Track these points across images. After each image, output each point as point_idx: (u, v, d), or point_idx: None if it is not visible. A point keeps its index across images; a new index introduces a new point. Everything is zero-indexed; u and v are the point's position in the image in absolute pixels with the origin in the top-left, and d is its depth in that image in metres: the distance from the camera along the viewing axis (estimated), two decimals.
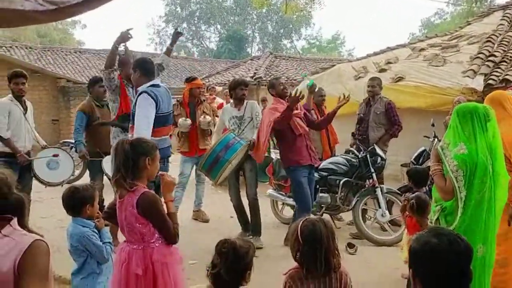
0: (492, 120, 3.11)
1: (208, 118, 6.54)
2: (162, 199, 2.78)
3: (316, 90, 6.20)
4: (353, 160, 6.23)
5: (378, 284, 4.52)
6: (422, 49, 9.23)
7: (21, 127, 5.55)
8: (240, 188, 6.03)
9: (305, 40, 43.52)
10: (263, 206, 6.20)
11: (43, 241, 1.41)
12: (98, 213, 3.20)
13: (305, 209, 5.24)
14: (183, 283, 2.84)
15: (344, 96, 5.48)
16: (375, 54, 10.03)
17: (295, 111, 5.40)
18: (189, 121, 6.44)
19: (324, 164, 6.35)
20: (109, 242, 3.15)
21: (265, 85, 11.98)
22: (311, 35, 43.73)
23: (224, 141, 5.59)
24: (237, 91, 5.96)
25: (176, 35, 5.49)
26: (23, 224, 1.45)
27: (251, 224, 5.83)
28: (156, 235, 2.66)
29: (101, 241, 3.11)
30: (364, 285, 4.32)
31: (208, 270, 2.25)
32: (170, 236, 2.69)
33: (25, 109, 5.67)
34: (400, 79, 8.09)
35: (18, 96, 5.55)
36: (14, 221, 1.41)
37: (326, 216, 6.02)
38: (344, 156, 6.41)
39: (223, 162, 5.50)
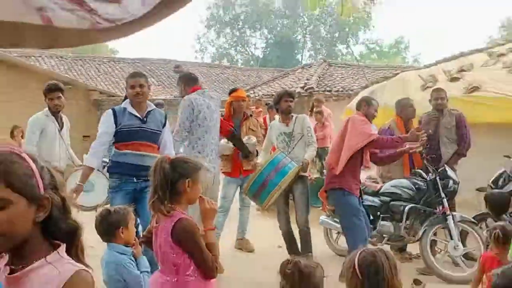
0: None
1: (253, 139, 6.51)
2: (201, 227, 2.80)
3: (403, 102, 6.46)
4: (420, 183, 6.14)
5: None
6: (501, 54, 9.02)
7: (55, 145, 5.76)
8: (290, 214, 6.03)
9: (363, 45, 43.30)
10: (315, 234, 6.17)
11: (88, 271, 1.47)
12: (135, 239, 3.28)
13: (362, 241, 5.22)
14: None
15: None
16: (446, 60, 9.88)
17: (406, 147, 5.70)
18: (231, 145, 6.43)
19: (386, 187, 6.30)
20: (147, 271, 3.21)
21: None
22: (370, 39, 43.35)
23: (274, 162, 5.63)
24: (282, 103, 6.06)
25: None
26: (75, 253, 1.51)
27: (301, 255, 5.84)
28: (192, 267, 2.66)
29: (138, 270, 3.19)
30: None
31: None
32: (207, 269, 2.69)
33: (61, 125, 5.89)
34: (475, 89, 7.92)
35: (55, 112, 5.80)
36: (62, 248, 1.46)
37: (386, 247, 5.89)
38: (410, 179, 6.31)
39: (271, 186, 5.56)
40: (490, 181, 6.75)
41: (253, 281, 5.74)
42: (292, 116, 6.06)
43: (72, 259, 1.48)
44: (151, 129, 4.82)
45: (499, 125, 7.56)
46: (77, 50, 32.09)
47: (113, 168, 4.79)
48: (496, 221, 4.27)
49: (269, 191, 5.59)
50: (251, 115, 6.94)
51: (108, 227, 3.24)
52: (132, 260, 3.22)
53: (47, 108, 5.80)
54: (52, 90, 5.76)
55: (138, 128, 4.76)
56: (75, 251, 1.51)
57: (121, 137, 4.75)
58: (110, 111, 4.85)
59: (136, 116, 4.79)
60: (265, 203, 5.85)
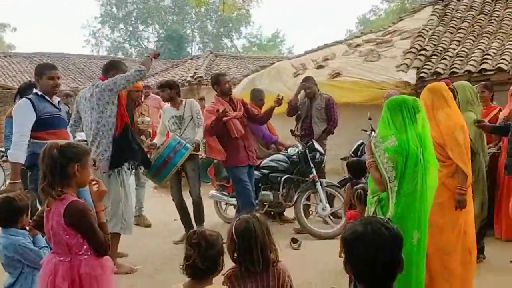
0: (421, 111, 3.23)
1: (147, 118, 6.46)
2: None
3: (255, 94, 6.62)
4: (293, 156, 6.32)
5: (322, 275, 4.61)
6: (358, 45, 9.46)
7: None
8: (183, 190, 5.99)
9: (245, 39, 43.59)
10: (207, 208, 6.17)
11: None
12: (29, 222, 3.09)
13: (249, 205, 5.44)
14: None
15: (279, 97, 5.65)
16: (313, 51, 10.17)
17: (234, 113, 5.62)
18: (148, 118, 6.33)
19: (265, 162, 6.42)
20: (46, 247, 3.03)
21: (206, 85, 12.11)
22: (251, 34, 43.67)
23: (171, 145, 5.62)
24: (160, 94, 6.18)
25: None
26: None
27: (195, 223, 5.81)
28: (85, 246, 2.54)
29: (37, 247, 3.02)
30: (308, 278, 4.41)
31: (182, 264, 2.27)
32: (100, 247, 2.57)
33: None
34: (337, 75, 8.24)
35: None
36: None
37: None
38: (284, 153, 6.48)
39: (171, 166, 5.56)
40: (351, 151, 7.20)
41: (152, 252, 5.64)
42: (182, 100, 6.00)
43: None
44: (63, 118, 4.55)
45: (357, 104, 7.85)
46: None
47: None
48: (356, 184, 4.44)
49: (169, 170, 5.59)
50: (142, 102, 6.88)
51: (12, 214, 3.06)
52: (29, 238, 3.05)
53: None
54: None
55: (58, 116, 4.44)
56: None
57: (43, 125, 4.31)
58: (25, 100, 4.37)
59: (52, 104, 4.46)
60: (164, 181, 5.91)
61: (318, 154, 6.27)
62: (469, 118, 4.27)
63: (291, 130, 6.49)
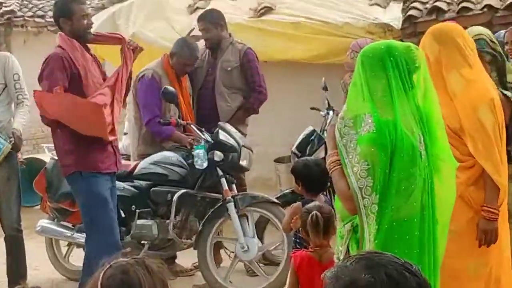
0: (422, 69, 2.47)
1: None
2: None
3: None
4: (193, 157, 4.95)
5: None
6: None
7: None
8: None
9: None
10: (35, 249, 5.25)
11: None
12: None
13: (110, 247, 4.06)
14: None
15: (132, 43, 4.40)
16: None
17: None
18: None
19: (143, 166, 4.95)
20: None
21: (23, 26, 10.28)
22: None
23: None
24: None
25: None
26: None
27: (10, 280, 4.70)
28: None
29: None
30: None
31: None
32: None
33: None
34: (267, 10, 6.00)
35: None
36: None
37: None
38: (179, 151, 5.01)
39: None
40: (295, 147, 5.32)
41: None
42: None
43: None
44: None
45: (301, 63, 6.01)
46: None
47: None
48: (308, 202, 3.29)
49: None
50: None
51: None
52: None
53: None
54: None
55: None
56: None
57: None
58: None
59: None
60: None
61: (229, 150, 4.74)
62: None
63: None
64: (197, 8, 6.21)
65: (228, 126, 4.94)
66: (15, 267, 4.65)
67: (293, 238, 3.76)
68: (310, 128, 5.34)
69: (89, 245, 4.29)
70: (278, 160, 5.68)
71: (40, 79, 4.06)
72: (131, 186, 4.92)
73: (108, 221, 4.26)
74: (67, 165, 4.18)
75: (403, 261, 1.17)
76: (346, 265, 1.19)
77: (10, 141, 4.48)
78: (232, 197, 4.65)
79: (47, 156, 5.58)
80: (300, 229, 3.23)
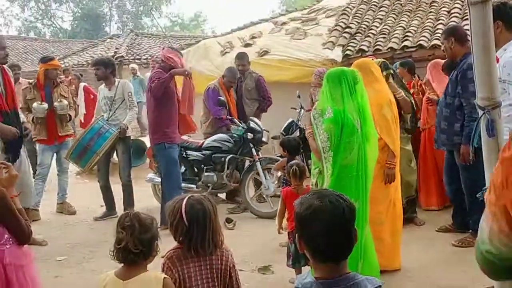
0: (360, 82, 3.30)
1: (65, 101, 6.14)
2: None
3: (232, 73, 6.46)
4: (235, 136, 6.27)
5: (258, 253, 4.63)
6: (284, 23, 9.39)
7: None
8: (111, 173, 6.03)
9: (166, 18, 42.57)
10: (139, 192, 6.18)
11: None
12: None
13: (178, 189, 5.25)
14: (40, 285, 2.62)
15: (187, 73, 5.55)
16: (239, 29, 10.02)
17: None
18: (45, 105, 5.99)
19: (208, 142, 6.31)
20: None
21: (128, 64, 12.00)
22: (172, 13, 42.82)
23: (94, 129, 5.62)
24: (94, 72, 6.06)
25: None
26: None
27: (124, 206, 5.74)
28: (6, 235, 2.38)
29: None
30: (244, 257, 4.40)
31: (112, 249, 2.11)
32: (23, 235, 2.42)
33: None
34: (265, 53, 8.11)
35: None
36: None
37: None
38: (227, 133, 6.44)
39: (92, 152, 5.60)
40: (282, 130, 6.99)
41: (78, 240, 5.39)
42: (115, 80, 5.95)
43: None
44: None
45: (285, 82, 7.75)
46: None
47: None
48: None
49: (90, 156, 5.62)
50: (61, 82, 6.51)
51: None
52: None
53: None
54: None
55: None
56: None
57: None
58: None
59: None
60: (86, 168, 5.99)
61: (256, 133, 6.20)
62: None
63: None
64: (226, 53, 8.38)
65: (255, 119, 6.38)
66: (127, 200, 5.91)
67: (282, 180, 4.86)
68: (290, 119, 6.89)
69: (165, 187, 5.48)
70: (274, 138, 7.04)
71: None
72: (201, 154, 6.26)
73: (177, 173, 5.48)
74: (155, 138, 5.39)
75: (338, 193, 1.55)
76: (306, 196, 1.57)
77: (118, 130, 5.69)
78: (258, 159, 6.01)
79: (147, 138, 6.17)
80: (286, 174, 4.12)
